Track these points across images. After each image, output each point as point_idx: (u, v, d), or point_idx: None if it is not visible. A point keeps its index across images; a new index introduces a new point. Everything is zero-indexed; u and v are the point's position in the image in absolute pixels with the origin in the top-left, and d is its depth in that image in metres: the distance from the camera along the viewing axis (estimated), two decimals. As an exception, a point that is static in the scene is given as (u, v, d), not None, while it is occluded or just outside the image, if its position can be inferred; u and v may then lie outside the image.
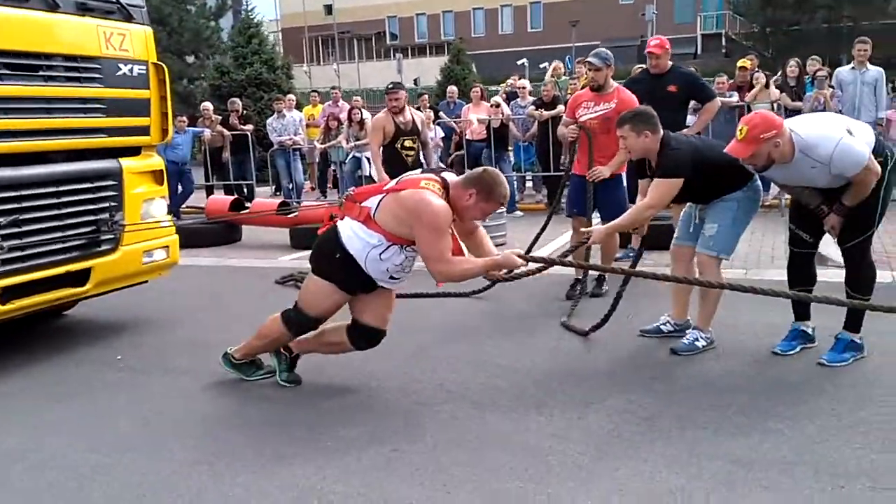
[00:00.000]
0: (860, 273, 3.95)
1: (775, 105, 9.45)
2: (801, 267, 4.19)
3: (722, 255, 4.25)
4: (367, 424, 3.50)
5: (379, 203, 3.59)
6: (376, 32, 47.91)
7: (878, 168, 3.72)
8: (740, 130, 3.71)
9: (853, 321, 4.01)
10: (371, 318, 3.83)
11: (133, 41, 4.94)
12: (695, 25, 39.63)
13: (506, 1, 44.99)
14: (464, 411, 3.63)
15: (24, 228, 4.34)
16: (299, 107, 13.73)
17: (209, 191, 12.22)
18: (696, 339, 4.29)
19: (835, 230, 3.94)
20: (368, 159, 11.06)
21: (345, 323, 3.92)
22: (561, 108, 10.76)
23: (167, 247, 5.30)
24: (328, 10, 45.78)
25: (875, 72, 8.96)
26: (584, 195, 5.63)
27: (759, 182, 4.26)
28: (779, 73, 10.42)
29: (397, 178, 3.79)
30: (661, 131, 4.20)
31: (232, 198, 9.55)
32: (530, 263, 3.99)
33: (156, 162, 5.26)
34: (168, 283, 5.63)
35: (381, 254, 3.58)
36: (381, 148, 6.92)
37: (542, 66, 22.04)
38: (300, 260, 7.79)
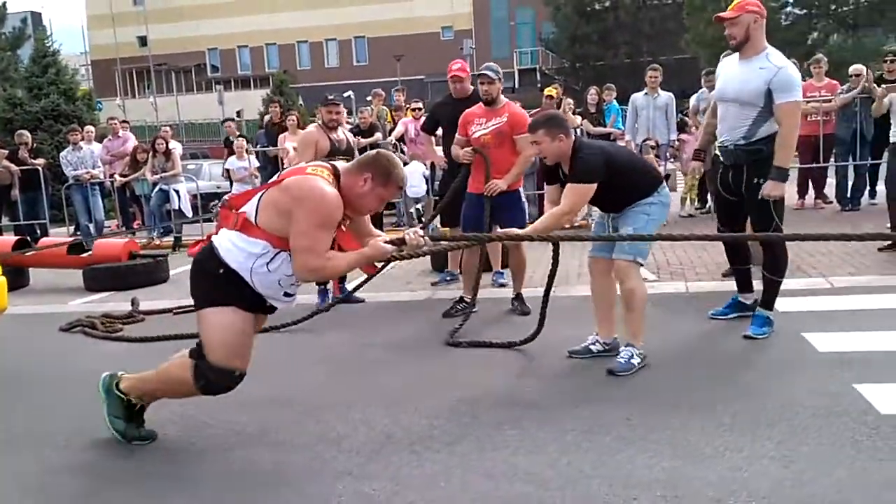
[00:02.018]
0: (777, 256, 4.54)
1: (579, 130, 9.88)
2: (738, 250, 4.88)
3: (639, 259, 4.16)
4: (142, 482, 3.10)
5: (258, 203, 3.14)
6: (196, 65, 46.22)
7: (798, 121, 4.37)
8: (733, 2, 4.37)
9: (767, 301, 4.57)
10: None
11: None
12: (511, 61, 41.52)
13: (330, 35, 44.97)
14: (258, 455, 3.32)
15: None
16: (102, 139, 12.77)
17: (-4, 232, 11.01)
18: (632, 357, 4.09)
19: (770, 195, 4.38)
20: (177, 192, 10.47)
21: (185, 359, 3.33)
22: (378, 135, 10.73)
23: None
24: (142, 41, 43.72)
25: (665, 97, 9.60)
26: (480, 213, 5.48)
27: (667, 189, 4.31)
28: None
29: (277, 174, 3.39)
30: (573, 136, 4.12)
31: (15, 238, 8.58)
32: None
33: None
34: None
35: (267, 264, 3.10)
36: None
37: (368, 98, 22.19)
38: (93, 304, 7.11)
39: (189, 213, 10.78)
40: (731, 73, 4.45)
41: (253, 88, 41.57)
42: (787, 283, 5.78)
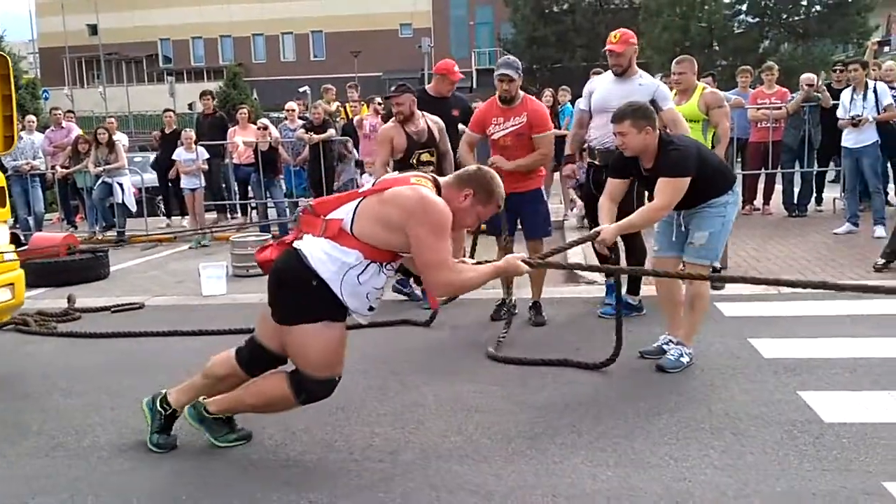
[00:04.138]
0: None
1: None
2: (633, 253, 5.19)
3: (714, 264, 4.12)
4: (65, 490, 2.94)
5: (355, 211, 2.97)
6: (148, 55, 45.17)
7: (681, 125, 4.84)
8: (615, 36, 5.09)
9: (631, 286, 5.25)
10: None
11: None
12: (470, 60, 41.52)
13: (287, 28, 44.36)
14: (186, 463, 3.17)
15: None
16: (46, 129, 12.32)
17: (-72, 224, 10.53)
18: (682, 356, 4.08)
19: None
20: (121, 185, 10.14)
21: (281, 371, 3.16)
22: (332, 131, 10.52)
23: (11, 285, 4.28)
24: (92, 30, 42.55)
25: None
26: (497, 215, 5.29)
27: (738, 188, 4.25)
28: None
29: (372, 182, 3.14)
30: (658, 129, 3.96)
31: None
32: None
33: None
34: None
35: (359, 275, 2.93)
36: (391, 165, 5.49)
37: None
38: (28, 300, 6.80)
39: (133, 208, 10.44)
40: (609, 88, 5.09)
41: (207, 81, 40.80)
42: (734, 288, 5.83)
